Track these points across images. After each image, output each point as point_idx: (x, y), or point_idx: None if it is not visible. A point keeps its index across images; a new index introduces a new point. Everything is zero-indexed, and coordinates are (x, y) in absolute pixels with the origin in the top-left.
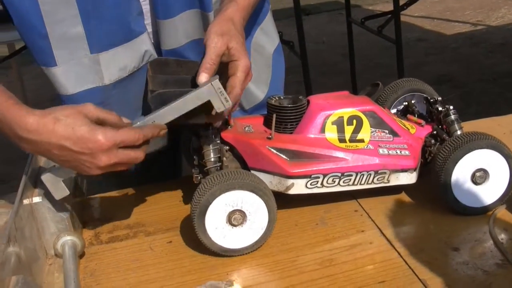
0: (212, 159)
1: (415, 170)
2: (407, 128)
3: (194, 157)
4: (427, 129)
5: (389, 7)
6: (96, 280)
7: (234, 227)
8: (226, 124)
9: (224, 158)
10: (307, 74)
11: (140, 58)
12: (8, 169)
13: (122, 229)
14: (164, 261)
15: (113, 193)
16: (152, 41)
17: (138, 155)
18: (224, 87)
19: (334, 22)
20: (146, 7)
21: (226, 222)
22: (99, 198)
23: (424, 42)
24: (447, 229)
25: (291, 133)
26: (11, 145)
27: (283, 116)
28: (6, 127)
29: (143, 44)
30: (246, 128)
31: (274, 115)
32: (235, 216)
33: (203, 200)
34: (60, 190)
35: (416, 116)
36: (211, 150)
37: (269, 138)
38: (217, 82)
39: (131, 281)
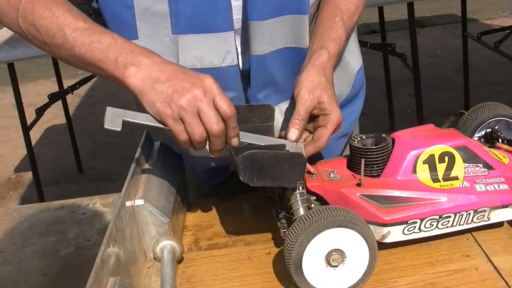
0: (301, 211)
1: None
2: (499, 158)
3: (278, 209)
4: None
5: (508, 21)
6: (193, 286)
7: (336, 268)
8: (308, 172)
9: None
10: (418, 88)
11: (220, 56)
12: (118, 167)
13: (221, 237)
14: (262, 272)
15: (215, 200)
16: (237, 44)
17: (216, 125)
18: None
19: (449, 36)
20: (236, 3)
21: (326, 266)
22: (201, 204)
23: None
24: None
25: (378, 175)
26: (123, 145)
27: (369, 158)
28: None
29: (226, 43)
30: (332, 175)
31: (363, 160)
32: (333, 257)
33: (294, 255)
34: (114, 123)
35: (504, 143)
36: (299, 201)
37: (359, 185)
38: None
39: None
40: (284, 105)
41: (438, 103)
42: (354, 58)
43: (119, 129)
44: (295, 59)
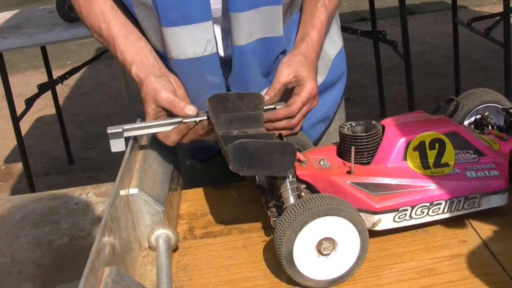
0: (292, 199)
1: (506, 191)
2: (490, 144)
3: (267, 198)
4: (510, 143)
5: (497, 8)
6: (189, 275)
7: (328, 256)
8: (298, 160)
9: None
10: (409, 75)
11: (202, 45)
12: (109, 157)
13: (216, 225)
14: (258, 260)
15: (210, 189)
16: (216, 33)
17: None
18: None
19: (439, 23)
20: None
21: (318, 256)
22: (195, 193)
23: None
24: None
25: (369, 163)
26: None
27: (359, 145)
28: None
29: (206, 33)
30: (322, 163)
31: (353, 148)
32: (323, 246)
33: (284, 249)
34: (118, 145)
35: (494, 128)
36: (289, 190)
37: (349, 173)
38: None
39: (224, 278)
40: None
41: (429, 90)
42: (331, 43)
43: (124, 148)
44: (269, 48)
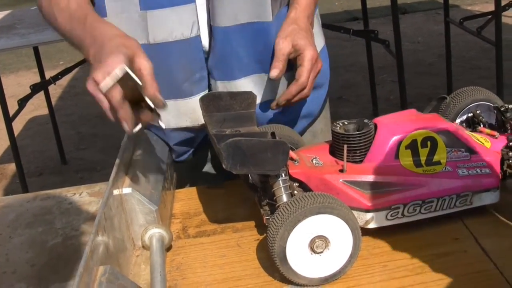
0: (284, 198)
1: (498, 188)
2: (481, 142)
3: (261, 196)
4: (502, 141)
5: (489, 7)
6: (182, 274)
7: (321, 254)
8: (290, 158)
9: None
10: (401, 73)
11: (189, 27)
12: (101, 157)
13: (210, 224)
14: (251, 258)
15: (203, 188)
16: (199, 15)
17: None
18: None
19: (431, 22)
20: None
21: (311, 254)
22: (188, 192)
23: None
24: None
25: (361, 161)
26: (107, 135)
27: (352, 144)
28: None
29: (192, 14)
30: (314, 161)
31: (345, 146)
32: (316, 244)
33: (277, 248)
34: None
35: (486, 126)
36: (282, 188)
37: (342, 171)
38: None
39: (217, 277)
40: (248, 79)
41: (421, 89)
42: None
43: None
44: (258, 34)
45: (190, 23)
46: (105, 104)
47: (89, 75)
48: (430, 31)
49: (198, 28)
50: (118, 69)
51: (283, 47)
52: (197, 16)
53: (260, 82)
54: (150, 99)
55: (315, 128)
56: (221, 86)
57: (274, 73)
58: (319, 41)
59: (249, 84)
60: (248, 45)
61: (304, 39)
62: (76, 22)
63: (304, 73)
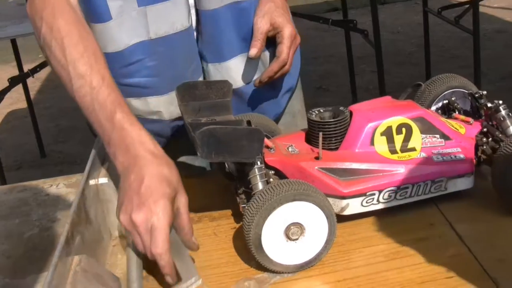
0: (260, 185)
1: (472, 174)
2: (456, 129)
3: (237, 184)
4: (476, 127)
5: None
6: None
7: (296, 241)
8: (266, 146)
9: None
10: (380, 64)
11: (186, 17)
12: (81, 150)
13: None
14: (228, 247)
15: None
16: (189, 2)
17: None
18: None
19: (410, 12)
20: None
21: (287, 241)
22: None
23: (503, 34)
24: None
25: (337, 148)
26: (86, 128)
27: (327, 131)
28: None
29: (187, 3)
30: (290, 149)
31: (321, 134)
32: (292, 231)
33: (252, 235)
34: None
35: (461, 113)
36: (258, 176)
37: (317, 158)
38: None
39: (195, 265)
40: (236, 59)
41: (400, 79)
42: None
43: None
44: (242, 13)
45: (187, 13)
46: (140, 246)
47: (123, 202)
48: (409, 21)
49: (193, 15)
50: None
51: (261, 26)
52: (189, 4)
53: (248, 61)
54: (185, 244)
55: (294, 108)
56: (212, 69)
57: (253, 52)
58: None
59: (240, 64)
60: (235, 25)
61: (281, 16)
62: (101, 112)
63: (284, 50)
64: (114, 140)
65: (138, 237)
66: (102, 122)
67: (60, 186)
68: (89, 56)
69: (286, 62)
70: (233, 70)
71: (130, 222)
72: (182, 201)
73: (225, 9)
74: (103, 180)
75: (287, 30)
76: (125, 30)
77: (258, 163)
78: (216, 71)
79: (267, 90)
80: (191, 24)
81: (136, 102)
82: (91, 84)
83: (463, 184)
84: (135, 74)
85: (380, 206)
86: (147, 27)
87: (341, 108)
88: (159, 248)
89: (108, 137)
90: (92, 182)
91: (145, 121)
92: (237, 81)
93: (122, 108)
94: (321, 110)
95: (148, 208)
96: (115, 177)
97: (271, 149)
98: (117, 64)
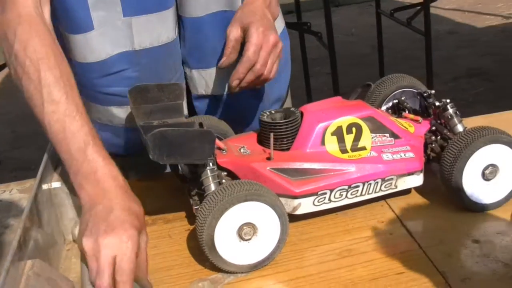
0: (212, 187)
1: (421, 171)
2: (405, 127)
3: (190, 186)
4: (425, 126)
5: None
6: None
7: (249, 241)
8: (218, 148)
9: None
10: (334, 65)
11: (173, 30)
12: (37, 156)
13: None
14: (182, 248)
15: (134, 180)
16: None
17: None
18: None
19: (365, 14)
20: None
21: (240, 241)
22: None
23: (454, 35)
24: (468, 221)
25: (288, 149)
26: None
27: (278, 132)
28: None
29: (175, 15)
30: (242, 150)
31: (272, 134)
32: (244, 231)
33: (205, 236)
34: None
35: (410, 112)
36: (210, 177)
37: (269, 159)
38: None
39: (149, 268)
40: None
41: (355, 80)
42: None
43: None
44: (226, 22)
45: (174, 25)
46: (94, 273)
47: (87, 227)
48: (363, 23)
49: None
50: None
51: (230, 32)
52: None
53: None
54: (139, 283)
55: None
56: (196, 75)
57: (222, 63)
58: (280, 23)
59: (226, 71)
60: (220, 33)
61: (251, 17)
62: (73, 142)
63: (250, 47)
64: (83, 172)
65: (95, 263)
66: (72, 151)
67: (13, 192)
68: (64, 82)
69: (252, 59)
70: (218, 77)
71: (95, 246)
72: (144, 239)
73: (210, 17)
74: (56, 184)
75: (254, 29)
76: (108, 40)
77: (210, 164)
78: (200, 77)
79: (254, 98)
80: (177, 35)
81: (117, 110)
82: (65, 112)
83: (413, 181)
84: (116, 84)
85: (332, 205)
86: (132, 38)
87: (292, 109)
88: (125, 276)
89: (76, 167)
90: (45, 186)
91: (125, 130)
92: (223, 88)
93: (95, 141)
94: (273, 111)
95: (117, 234)
96: (68, 182)
97: (223, 150)
98: (97, 74)
